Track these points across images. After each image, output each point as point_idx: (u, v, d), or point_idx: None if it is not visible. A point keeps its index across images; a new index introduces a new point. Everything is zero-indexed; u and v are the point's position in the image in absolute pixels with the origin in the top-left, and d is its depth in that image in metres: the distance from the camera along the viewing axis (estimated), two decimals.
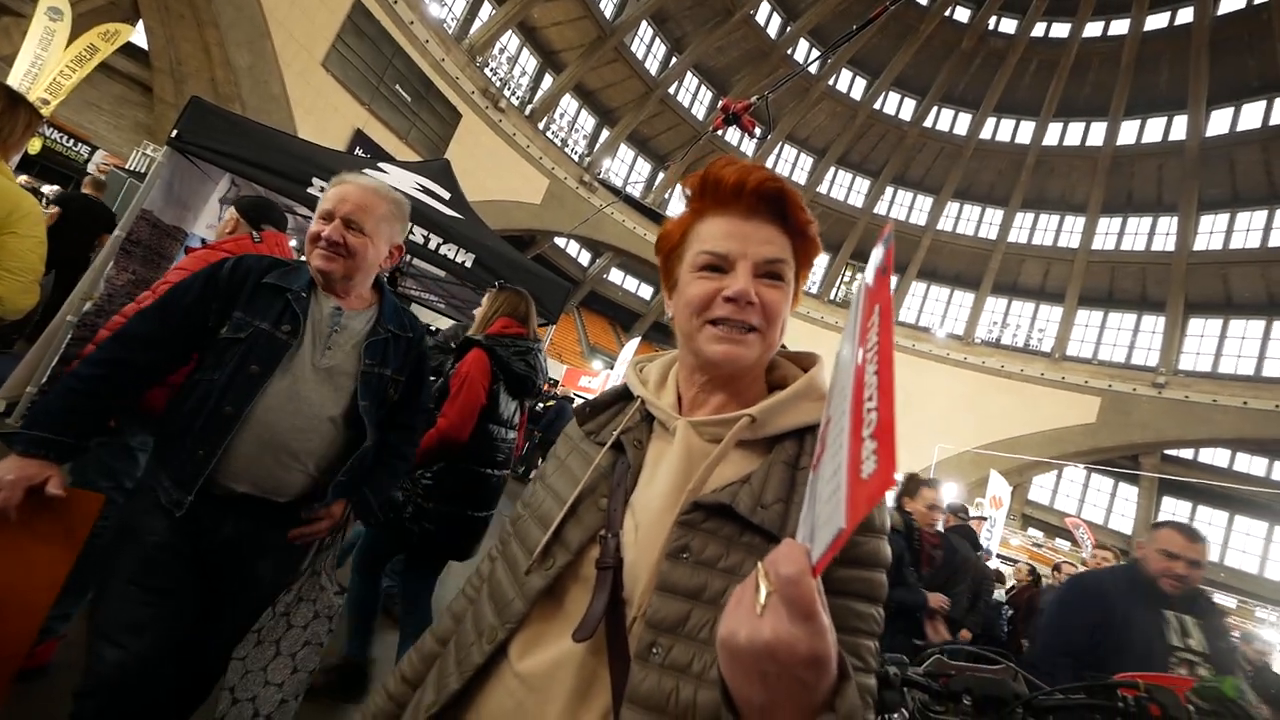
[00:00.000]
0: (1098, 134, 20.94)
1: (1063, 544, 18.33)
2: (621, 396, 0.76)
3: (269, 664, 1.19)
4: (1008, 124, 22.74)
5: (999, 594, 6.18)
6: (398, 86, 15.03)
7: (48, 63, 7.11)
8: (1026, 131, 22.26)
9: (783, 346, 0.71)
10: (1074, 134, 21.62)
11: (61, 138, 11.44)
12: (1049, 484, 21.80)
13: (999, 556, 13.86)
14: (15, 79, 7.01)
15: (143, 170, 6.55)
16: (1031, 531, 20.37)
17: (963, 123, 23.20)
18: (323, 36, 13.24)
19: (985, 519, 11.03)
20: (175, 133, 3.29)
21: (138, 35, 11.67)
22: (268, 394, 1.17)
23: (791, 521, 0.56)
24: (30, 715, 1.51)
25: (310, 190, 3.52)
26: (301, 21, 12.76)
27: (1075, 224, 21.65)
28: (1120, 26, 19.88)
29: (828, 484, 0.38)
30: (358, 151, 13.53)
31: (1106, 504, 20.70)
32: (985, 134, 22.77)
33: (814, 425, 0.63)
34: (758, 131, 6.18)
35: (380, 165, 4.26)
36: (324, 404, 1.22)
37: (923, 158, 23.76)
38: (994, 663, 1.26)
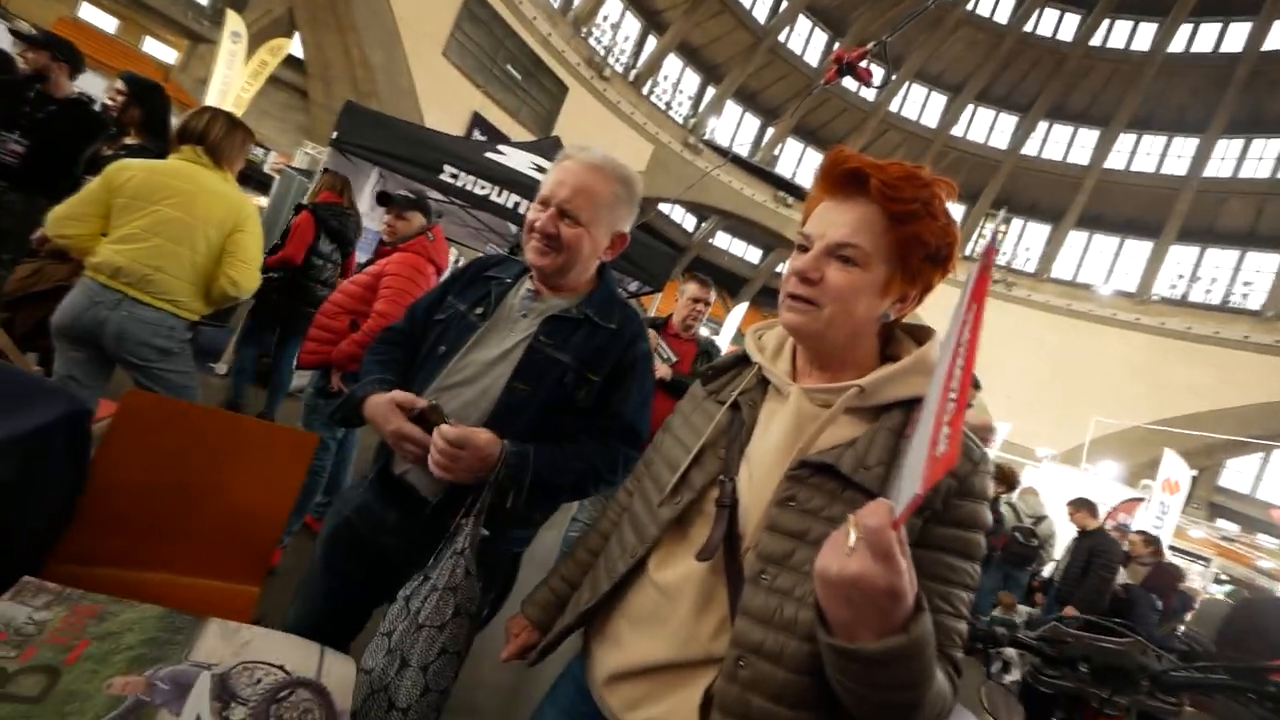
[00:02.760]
0: None
1: (1267, 541, 15.29)
2: (741, 361, 0.85)
3: (392, 682, 0.91)
4: (1209, 29, 18.27)
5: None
6: (509, 66, 15.64)
7: (232, 80, 8.32)
8: (1239, 36, 17.74)
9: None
10: None
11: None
12: (1252, 469, 18.21)
13: (1172, 549, 11.86)
14: (212, 97, 8.31)
15: (304, 167, 7.50)
16: (1221, 523, 17.25)
17: (1145, 35, 19.04)
18: (443, 27, 14.06)
19: (1141, 499, 9.52)
20: (335, 134, 3.73)
21: (294, 46, 13.22)
22: (444, 374, 1.11)
23: (891, 483, 0.63)
24: (265, 605, 1.95)
25: (441, 176, 3.83)
26: (424, 17, 13.64)
27: None
28: None
29: (915, 455, 0.45)
30: (475, 134, 14.37)
31: None
32: (1177, 46, 18.57)
33: (921, 397, 0.67)
34: (876, 80, 5.68)
35: (499, 148, 4.50)
36: (491, 386, 1.09)
37: (1088, 84, 20.04)
38: (1120, 635, 1.20)
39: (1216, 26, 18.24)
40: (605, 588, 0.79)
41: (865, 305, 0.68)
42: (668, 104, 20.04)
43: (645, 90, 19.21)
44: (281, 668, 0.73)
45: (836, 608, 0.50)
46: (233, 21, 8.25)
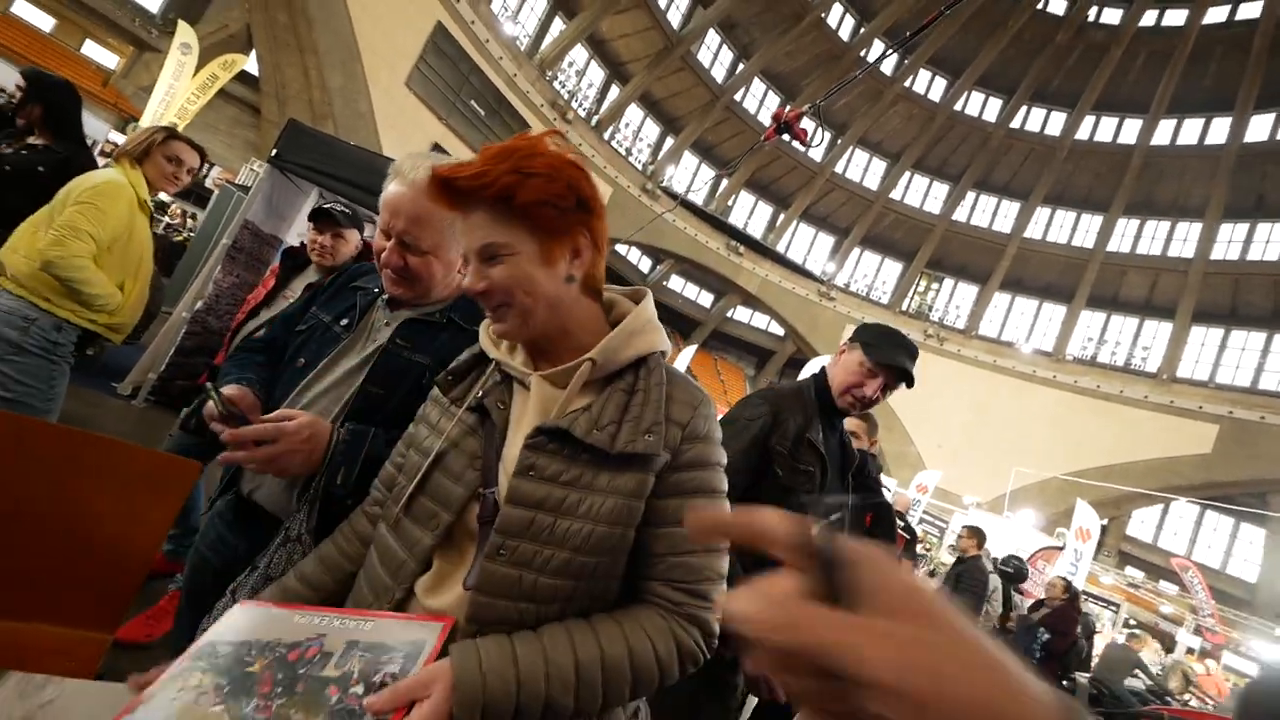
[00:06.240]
0: (1220, 130, 18.76)
1: (1168, 587, 16.40)
2: (480, 360, 0.80)
3: None
4: (1109, 122, 20.80)
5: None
6: (473, 102, 15.84)
7: (178, 91, 8.03)
8: (1132, 130, 20.27)
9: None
10: (1190, 131, 19.48)
11: None
12: (1153, 519, 19.65)
13: (1085, 594, 12.51)
14: (152, 106, 7.98)
15: (249, 185, 7.25)
16: (1130, 570, 18.40)
17: (1056, 122, 21.45)
18: (406, 57, 14.16)
19: (1060, 548, 10.09)
20: (275, 151, 3.63)
21: (250, 63, 12.95)
22: (303, 387, 1.04)
23: (621, 438, 0.67)
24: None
25: None
26: (388, 44, 13.71)
27: (1190, 231, 19.46)
28: (1250, 10, 17.76)
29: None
30: None
31: (1226, 546, 18.41)
32: (1082, 134, 20.96)
33: (649, 354, 0.74)
34: (814, 140, 5.99)
35: None
36: (345, 394, 1.02)
37: (1009, 160, 22.20)
38: None
39: (1115, 120, 20.74)
40: None
41: (542, 277, 0.68)
42: (628, 150, 20.71)
43: (607, 135, 19.82)
44: None
45: None
46: (184, 33, 8.05)
